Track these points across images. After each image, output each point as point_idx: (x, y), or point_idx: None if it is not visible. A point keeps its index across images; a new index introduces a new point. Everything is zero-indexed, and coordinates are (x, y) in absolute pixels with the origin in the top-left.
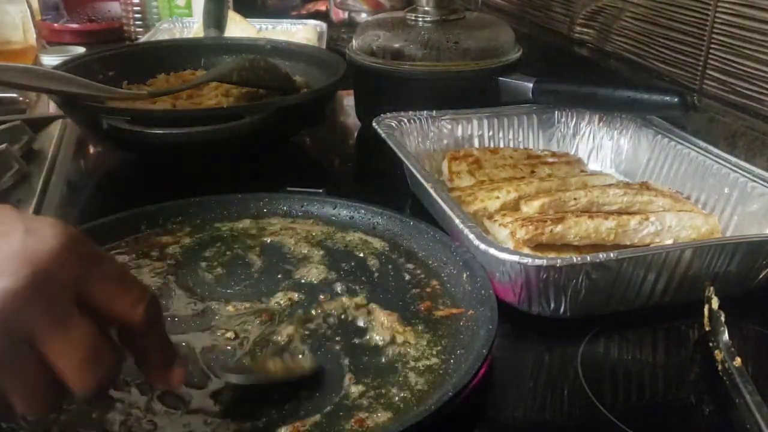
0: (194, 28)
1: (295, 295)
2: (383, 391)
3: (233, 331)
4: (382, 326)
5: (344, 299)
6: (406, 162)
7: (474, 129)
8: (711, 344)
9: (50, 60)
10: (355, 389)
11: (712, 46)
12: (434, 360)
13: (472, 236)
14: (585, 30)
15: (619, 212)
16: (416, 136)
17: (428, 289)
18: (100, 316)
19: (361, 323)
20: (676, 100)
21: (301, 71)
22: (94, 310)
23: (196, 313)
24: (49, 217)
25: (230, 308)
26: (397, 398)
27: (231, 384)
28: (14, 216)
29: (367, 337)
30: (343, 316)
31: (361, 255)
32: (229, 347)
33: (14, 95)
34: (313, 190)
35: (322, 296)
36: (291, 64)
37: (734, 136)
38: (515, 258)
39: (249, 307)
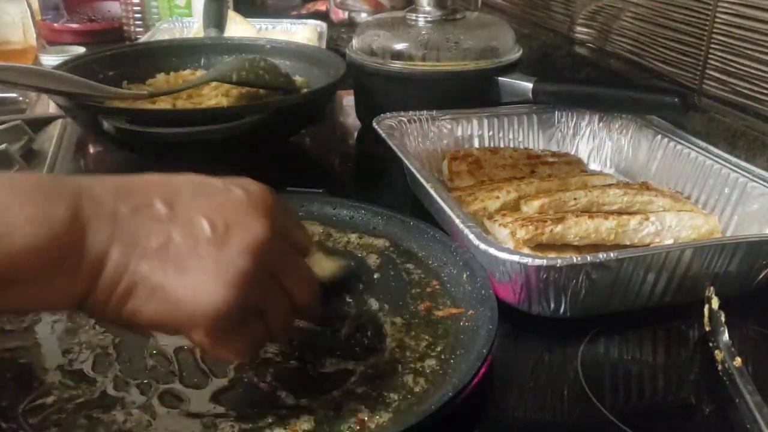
0: (194, 28)
1: None
2: (383, 391)
3: None
4: (381, 326)
5: (344, 299)
6: (406, 162)
7: (474, 129)
8: (711, 344)
9: (50, 60)
10: (356, 390)
11: (712, 46)
12: (434, 360)
13: (472, 236)
14: (585, 30)
15: (619, 212)
16: (416, 136)
17: (428, 289)
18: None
19: (360, 324)
20: (676, 100)
21: (301, 71)
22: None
23: None
24: (243, 177)
25: None
26: (397, 398)
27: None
28: (214, 179)
29: (367, 337)
30: (342, 317)
31: (361, 255)
32: None
33: (14, 95)
34: (313, 190)
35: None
36: (291, 64)
37: (734, 136)
38: (515, 258)
39: None
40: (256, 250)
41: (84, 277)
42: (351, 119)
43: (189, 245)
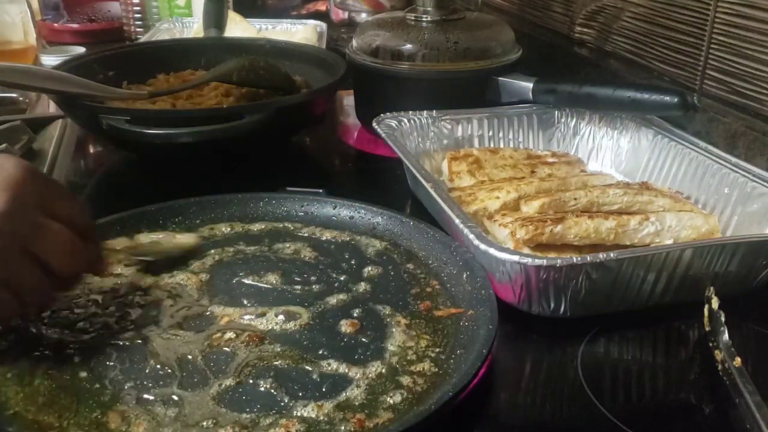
0: (194, 28)
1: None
2: (383, 391)
3: (233, 332)
4: (382, 326)
5: (344, 299)
6: (406, 162)
7: (474, 129)
8: (711, 344)
9: (50, 60)
10: (355, 389)
11: (712, 46)
12: (434, 360)
13: (472, 236)
14: (585, 30)
15: (619, 212)
16: (416, 136)
17: (428, 289)
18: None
19: (361, 324)
20: (676, 100)
21: (301, 71)
22: (55, 217)
23: (196, 314)
24: (5, 153)
25: (230, 308)
26: (397, 398)
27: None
28: None
29: (367, 337)
30: (342, 317)
31: (361, 255)
32: (228, 348)
33: (14, 95)
34: (313, 190)
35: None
36: (291, 64)
37: (734, 136)
38: (515, 258)
39: (248, 306)
40: None
41: None
42: (351, 119)
43: None
